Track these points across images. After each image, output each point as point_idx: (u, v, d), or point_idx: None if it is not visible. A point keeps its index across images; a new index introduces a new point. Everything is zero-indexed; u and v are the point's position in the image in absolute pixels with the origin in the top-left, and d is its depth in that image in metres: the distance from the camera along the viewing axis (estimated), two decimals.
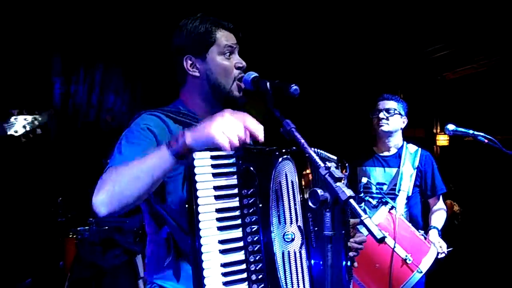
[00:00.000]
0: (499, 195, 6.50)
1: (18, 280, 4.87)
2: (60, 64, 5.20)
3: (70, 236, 4.24)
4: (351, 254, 1.91)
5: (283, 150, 1.67)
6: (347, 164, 1.93)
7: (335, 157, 1.80)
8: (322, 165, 1.44)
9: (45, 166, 5.18)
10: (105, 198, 1.49)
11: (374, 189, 3.34)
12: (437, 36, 6.68)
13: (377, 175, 3.42)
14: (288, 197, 1.65)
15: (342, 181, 1.50)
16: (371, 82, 7.80)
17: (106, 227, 3.94)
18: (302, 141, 1.52)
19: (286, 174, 1.65)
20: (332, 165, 1.43)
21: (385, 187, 3.37)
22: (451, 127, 3.21)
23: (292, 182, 1.65)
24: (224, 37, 1.86)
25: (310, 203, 1.41)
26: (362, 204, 3.30)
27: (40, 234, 4.90)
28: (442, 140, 8.40)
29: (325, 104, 7.65)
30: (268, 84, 1.68)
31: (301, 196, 1.66)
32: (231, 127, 1.47)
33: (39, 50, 4.96)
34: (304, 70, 6.80)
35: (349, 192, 1.35)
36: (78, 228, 4.24)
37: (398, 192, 3.30)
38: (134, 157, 1.56)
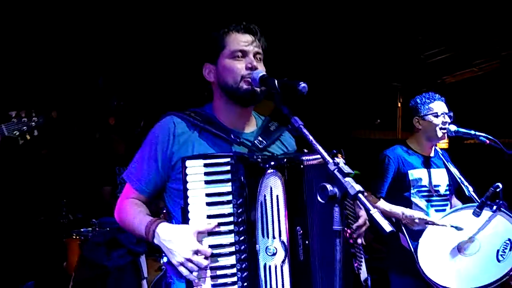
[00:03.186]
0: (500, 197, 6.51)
1: (21, 282, 4.88)
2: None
3: (73, 237, 4.26)
4: (359, 241, 1.93)
5: (272, 163, 1.69)
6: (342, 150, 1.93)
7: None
8: (331, 161, 1.46)
9: (49, 167, 5.19)
10: (120, 224, 1.96)
11: (433, 192, 3.28)
12: (436, 40, 6.71)
13: (433, 177, 3.31)
14: (272, 211, 1.68)
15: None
16: (371, 86, 7.83)
17: (108, 228, 3.95)
18: (311, 137, 1.55)
19: (271, 188, 1.68)
20: (341, 160, 1.44)
21: (441, 189, 3.32)
22: (452, 127, 3.22)
23: (277, 196, 1.68)
24: (234, 41, 1.88)
25: (319, 198, 1.43)
26: (448, 207, 3.27)
27: (42, 236, 4.91)
28: (442, 142, 8.40)
29: (324, 108, 7.67)
30: (276, 82, 1.70)
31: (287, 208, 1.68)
32: (186, 257, 1.62)
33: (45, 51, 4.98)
34: (304, 73, 6.82)
35: (358, 187, 1.38)
36: (81, 229, 4.26)
37: (468, 191, 3.26)
38: (140, 176, 1.89)
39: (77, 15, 4.77)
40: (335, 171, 1.43)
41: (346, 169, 1.42)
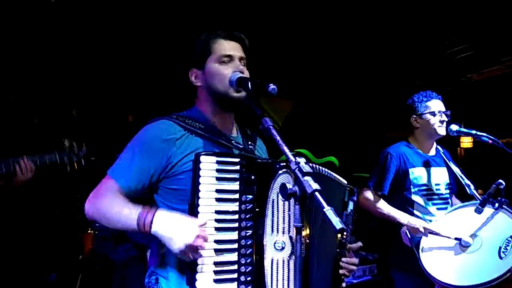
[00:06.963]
0: None
1: (44, 275, 5.05)
2: None
3: (89, 232, 4.39)
4: (341, 271, 1.96)
5: (284, 164, 1.75)
6: (355, 189, 1.99)
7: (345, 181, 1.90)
8: (293, 160, 1.51)
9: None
10: (92, 216, 1.86)
11: (434, 190, 3.30)
12: (461, 37, 6.58)
13: (434, 175, 3.32)
14: (283, 208, 1.75)
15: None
16: (394, 84, 7.74)
17: None
18: (278, 138, 1.60)
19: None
20: (302, 160, 1.49)
21: (441, 187, 3.32)
22: (454, 127, 3.21)
23: None
24: (221, 47, 1.95)
25: (280, 196, 1.48)
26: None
27: (62, 230, 5.07)
28: (466, 142, 8.26)
29: (346, 108, 7.66)
30: (249, 83, 1.77)
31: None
32: (188, 242, 1.64)
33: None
34: (325, 73, 6.83)
35: (315, 186, 1.42)
36: (97, 224, 4.37)
37: (469, 189, 3.27)
38: (128, 174, 1.85)
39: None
40: (296, 170, 1.47)
41: (306, 168, 1.47)
